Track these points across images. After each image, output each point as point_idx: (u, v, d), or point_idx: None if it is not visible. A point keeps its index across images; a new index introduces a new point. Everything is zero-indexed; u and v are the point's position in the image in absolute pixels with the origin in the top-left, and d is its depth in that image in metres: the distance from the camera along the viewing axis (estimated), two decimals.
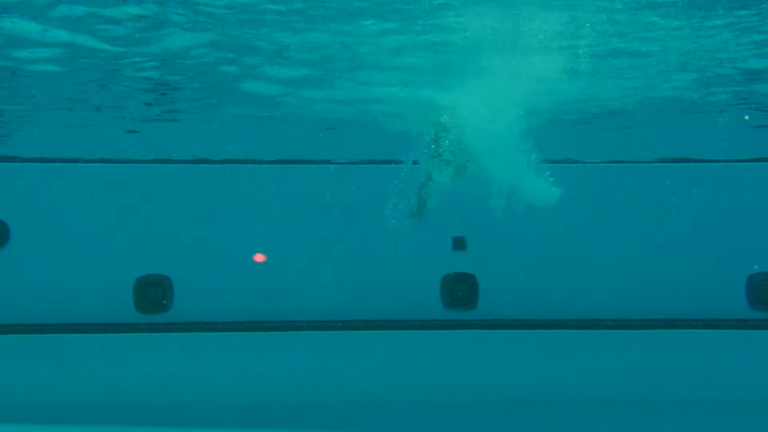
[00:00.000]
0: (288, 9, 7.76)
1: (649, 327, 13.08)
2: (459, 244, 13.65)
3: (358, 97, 11.09)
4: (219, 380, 12.39)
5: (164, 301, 13.48)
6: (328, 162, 13.77)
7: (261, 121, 12.35)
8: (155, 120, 12.11)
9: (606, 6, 7.77)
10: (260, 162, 13.76)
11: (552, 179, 10.86)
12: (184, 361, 12.69)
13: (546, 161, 13.46)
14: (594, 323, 13.14)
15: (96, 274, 13.45)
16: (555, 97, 10.91)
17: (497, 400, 11.97)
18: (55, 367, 12.52)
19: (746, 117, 12.01)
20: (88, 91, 10.64)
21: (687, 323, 13.14)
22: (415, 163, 11.74)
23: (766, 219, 13.52)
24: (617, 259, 13.58)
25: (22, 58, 9.23)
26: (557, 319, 13.21)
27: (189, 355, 12.78)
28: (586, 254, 13.63)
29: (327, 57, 9.22)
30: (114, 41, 8.70)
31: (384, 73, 9.98)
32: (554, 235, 13.56)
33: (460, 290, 13.61)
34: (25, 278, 13.39)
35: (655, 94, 11.06)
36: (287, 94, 10.85)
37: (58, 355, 12.71)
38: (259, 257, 13.61)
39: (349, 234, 13.45)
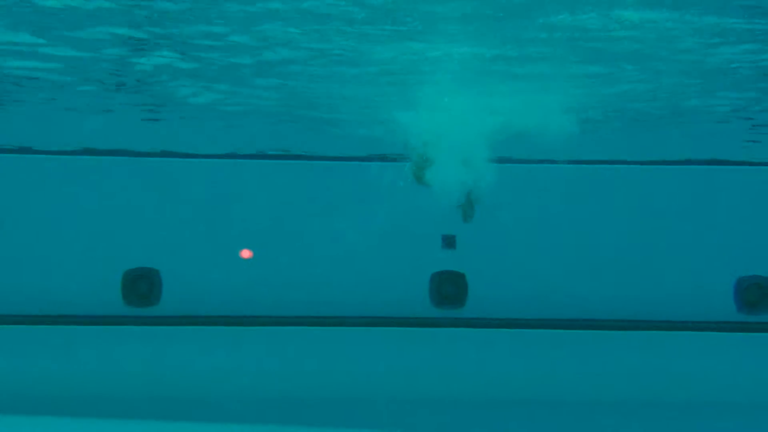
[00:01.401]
0: None
1: (638, 328, 13.12)
2: (448, 242, 13.66)
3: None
4: (209, 374, 12.38)
5: (152, 295, 13.43)
6: (316, 158, 13.76)
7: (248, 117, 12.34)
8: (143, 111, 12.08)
9: None
10: (248, 157, 13.73)
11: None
12: (172, 354, 12.67)
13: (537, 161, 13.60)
14: (582, 324, 13.18)
15: (84, 266, 13.39)
16: None
17: (487, 399, 12.04)
18: (41, 359, 12.46)
19: None
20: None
21: (676, 325, 13.20)
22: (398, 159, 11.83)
23: (755, 222, 13.60)
24: (606, 259, 13.62)
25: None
26: (545, 319, 13.25)
27: (177, 349, 12.75)
28: (575, 255, 13.67)
29: None
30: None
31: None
32: (543, 235, 13.62)
33: (449, 288, 13.63)
34: (13, 269, 13.32)
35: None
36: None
37: (45, 347, 12.65)
38: (246, 253, 13.59)
39: (338, 230, 13.42)
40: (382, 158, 13.18)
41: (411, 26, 8.05)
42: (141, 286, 13.48)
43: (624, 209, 13.63)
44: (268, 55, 9.07)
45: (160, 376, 12.29)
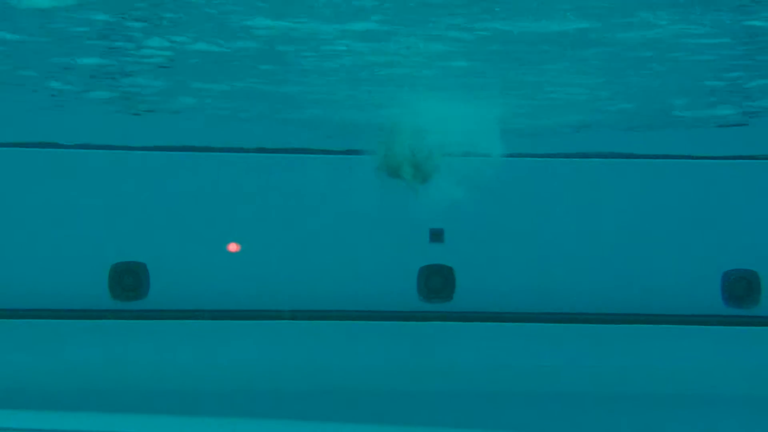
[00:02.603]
0: None
1: (625, 322, 13.15)
2: (436, 236, 13.68)
3: None
4: (197, 368, 12.37)
5: (140, 289, 13.42)
6: (303, 151, 13.74)
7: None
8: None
9: None
10: (235, 150, 13.71)
11: None
12: (159, 348, 12.66)
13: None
14: (569, 317, 13.21)
15: (70, 260, 13.36)
16: None
17: (475, 392, 12.07)
18: (26, 354, 12.45)
19: None
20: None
21: (663, 318, 13.24)
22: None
23: (743, 215, 13.63)
24: (593, 253, 13.64)
25: None
26: (532, 313, 13.28)
27: (164, 343, 12.74)
28: (562, 249, 13.69)
29: None
30: None
31: None
32: (531, 229, 13.64)
33: (437, 282, 13.65)
34: None
35: None
36: None
37: (30, 342, 12.64)
38: (233, 247, 13.57)
39: (326, 223, 13.42)
40: (369, 151, 13.21)
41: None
42: (128, 280, 13.45)
43: (611, 203, 13.65)
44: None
45: (147, 370, 12.28)
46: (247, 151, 13.68)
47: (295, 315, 13.09)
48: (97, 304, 13.22)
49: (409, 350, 12.81)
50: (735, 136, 13.44)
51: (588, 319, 13.16)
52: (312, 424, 8.84)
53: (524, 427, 11.09)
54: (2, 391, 11.04)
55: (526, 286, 13.43)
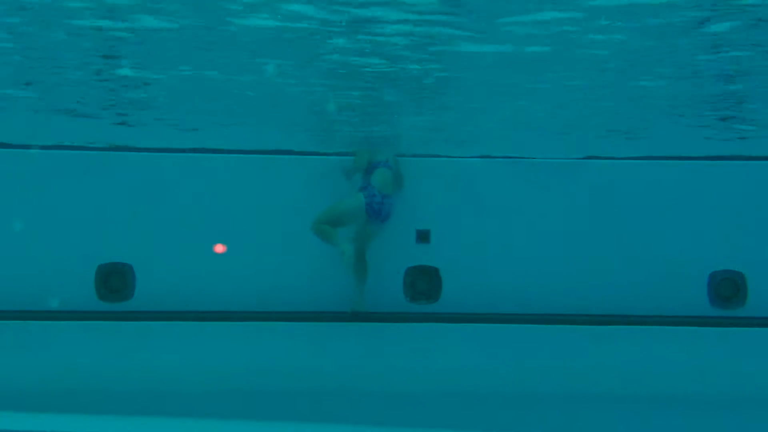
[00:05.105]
0: None
1: (611, 323, 13.18)
2: (422, 237, 13.68)
3: None
4: (182, 369, 12.34)
5: (126, 290, 13.40)
6: (285, 152, 13.75)
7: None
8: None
9: None
10: (219, 152, 13.70)
11: None
12: (145, 349, 12.63)
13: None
14: (555, 318, 13.23)
15: (57, 261, 13.32)
16: None
17: (460, 392, 12.07)
18: (12, 355, 12.40)
19: None
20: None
21: (649, 319, 13.27)
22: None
23: (729, 217, 13.67)
24: (580, 254, 13.67)
25: None
26: (518, 314, 13.30)
27: (150, 344, 12.71)
28: (548, 250, 13.71)
29: None
30: None
31: None
32: (517, 230, 13.66)
33: (423, 283, 13.65)
34: None
35: None
36: None
37: (16, 343, 12.60)
38: (220, 248, 13.55)
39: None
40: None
41: None
42: (114, 281, 13.43)
43: (597, 204, 13.68)
44: None
45: (133, 371, 12.24)
46: (233, 152, 13.67)
47: (282, 316, 13.09)
48: (83, 305, 13.20)
49: (396, 351, 12.80)
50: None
51: (575, 321, 13.18)
52: (300, 426, 8.83)
53: (512, 428, 11.09)
54: None
55: (513, 288, 13.45)
